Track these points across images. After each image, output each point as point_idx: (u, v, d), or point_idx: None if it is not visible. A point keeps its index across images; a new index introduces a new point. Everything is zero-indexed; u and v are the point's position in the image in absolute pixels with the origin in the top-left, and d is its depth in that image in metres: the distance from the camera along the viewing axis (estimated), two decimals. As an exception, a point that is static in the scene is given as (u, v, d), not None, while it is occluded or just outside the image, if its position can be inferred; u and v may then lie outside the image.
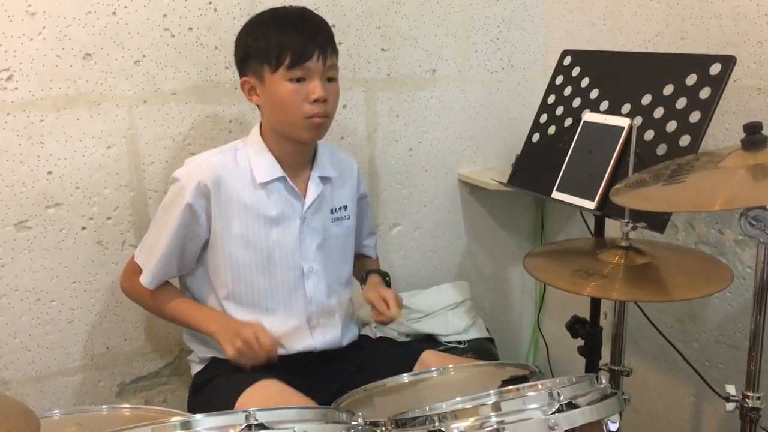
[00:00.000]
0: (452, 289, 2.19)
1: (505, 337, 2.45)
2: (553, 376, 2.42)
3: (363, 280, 1.78)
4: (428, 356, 1.68)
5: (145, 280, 1.57)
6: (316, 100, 1.47)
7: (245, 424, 0.99)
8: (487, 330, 2.17)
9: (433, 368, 1.57)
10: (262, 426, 0.99)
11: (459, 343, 2.07)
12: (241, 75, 1.56)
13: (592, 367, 1.79)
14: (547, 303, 2.49)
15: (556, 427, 1.04)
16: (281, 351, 1.58)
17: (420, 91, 2.14)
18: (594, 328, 1.78)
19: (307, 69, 1.47)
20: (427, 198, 2.24)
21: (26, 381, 1.77)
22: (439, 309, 2.12)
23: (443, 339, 2.07)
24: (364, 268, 1.81)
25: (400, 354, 1.69)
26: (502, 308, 2.49)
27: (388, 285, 1.77)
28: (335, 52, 1.54)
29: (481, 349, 2.07)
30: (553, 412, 1.06)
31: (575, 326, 1.79)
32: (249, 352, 1.48)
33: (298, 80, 1.47)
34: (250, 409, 1.00)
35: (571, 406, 1.07)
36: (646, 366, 2.10)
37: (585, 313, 1.80)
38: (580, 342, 1.80)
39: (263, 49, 1.48)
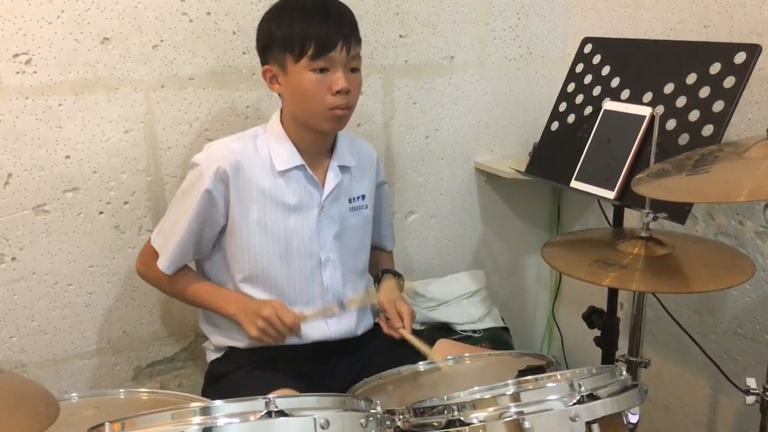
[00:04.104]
0: (467, 277, 2.18)
1: (520, 326, 2.44)
2: (567, 367, 2.41)
3: (377, 278, 1.78)
4: (442, 345, 1.68)
5: (163, 264, 1.57)
6: (338, 92, 1.46)
7: (265, 411, 0.98)
8: (502, 319, 2.17)
9: (448, 357, 1.57)
10: (282, 413, 0.99)
11: (474, 332, 2.06)
12: (263, 63, 1.54)
13: (608, 358, 1.78)
14: (562, 293, 2.48)
15: (577, 419, 1.03)
16: (297, 340, 1.58)
17: (437, 79, 2.13)
18: (611, 319, 1.77)
19: (330, 59, 1.45)
20: (443, 186, 2.23)
21: (43, 364, 1.78)
22: (455, 298, 2.12)
23: (458, 328, 2.06)
24: (378, 265, 1.81)
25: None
26: (517, 298, 2.48)
27: (401, 287, 1.78)
28: (359, 41, 1.51)
29: (496, 339, 2.06)
30: (574, 404, 1.05)
31: (592, 317, 1.78)
32: (271, 330, 1.49)
33: (321, 71, 1.46)
34: (270, 396, 1.00)
35: (592, 397, 1.06)
36: (662, 357, 2.08)
37: (600, 304, 1.79)
38: (595, 333, 1.79)
39: (286, 37, 1.46)
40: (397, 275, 1.80)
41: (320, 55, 1.44)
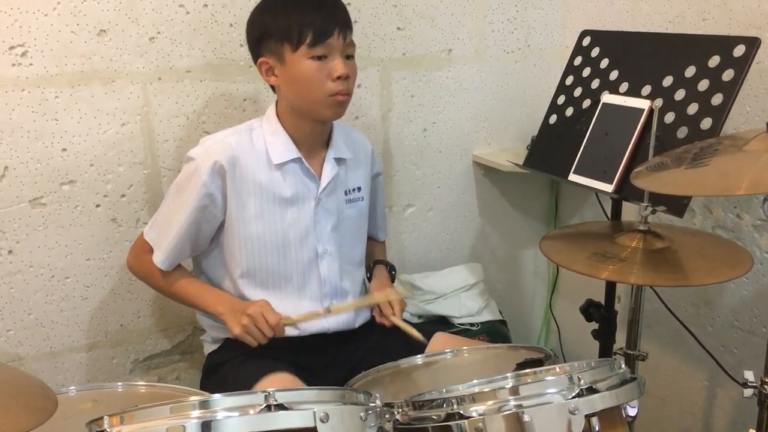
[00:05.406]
0: (465, 270, 2.18)
1: (517, 319, 2.44)
2: (565, 360, 2.41)
3: (368, 269, 1.78)
4: (439, 338, 1.68)
5: (159, 259, 1.56)
6: (339, 77, 1.46)
7: (264, 405, 0.98)
8: (500, 312, 2.17)
9: (447, 350, 1.57)
10: (281, 407, 0.99)
11: (472, 325, 2.06)
12: (258, 56, 1.53)
13: (606, 351, 1.78)
14: (559, 286, 2.48)
15: (576, 412, 1.03)
16: (295, 332, 1.58)
17: (435, 71, 2.12)
18: (609, 312, 1.77)
19: (328, 46, 1.45)
20: (441, 179, 2.22)
21: (41, 357, 1.78)
22: (452, 291, 2.12)
23: (456, 321, 2.07)
24: (371, 256, 1.81)
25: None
26: (514, 291, 2.48)
27: (393, 279, 1.78)
28: (352, 29, 1.52)
29: (494, 332, 2.07)
30: (573, 397, 1.05)
31: (590, 310, 1.77)
32: (254, 328, 1.48)
33: (320, 58, 1.46)
34: (270, 389, 1.00)
35: (591, 390, 1.07)
36: (660, 350, 2.09)
37: (597, 297, 1.79)
38: (593, 325, 1.79)
39: (283, 27, 1.46)
40: (389, 266, 1.80)
41: (319, 42, 1.44)
